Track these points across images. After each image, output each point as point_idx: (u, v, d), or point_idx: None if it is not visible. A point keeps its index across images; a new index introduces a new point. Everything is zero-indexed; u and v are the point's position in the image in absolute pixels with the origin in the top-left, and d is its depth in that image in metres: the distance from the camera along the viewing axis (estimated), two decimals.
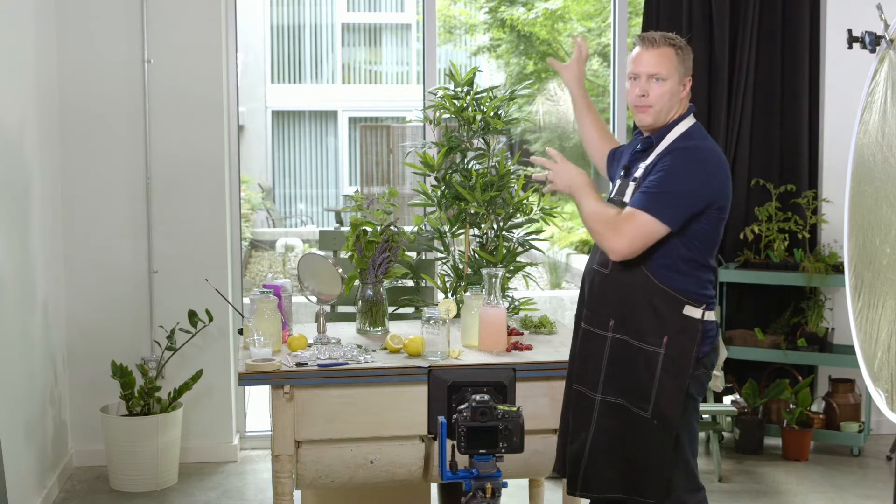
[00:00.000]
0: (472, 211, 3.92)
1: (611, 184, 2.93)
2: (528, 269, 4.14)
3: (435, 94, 4.26)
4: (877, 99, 2.86)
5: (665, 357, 2.65)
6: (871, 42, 2.87)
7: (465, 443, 2.49)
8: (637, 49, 2.77)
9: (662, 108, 2.73)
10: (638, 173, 2.73)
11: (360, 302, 3.48)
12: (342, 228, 5.01)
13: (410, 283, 4.21)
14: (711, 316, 2.72)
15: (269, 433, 3.06)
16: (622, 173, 2.83)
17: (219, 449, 4.70)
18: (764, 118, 4.98)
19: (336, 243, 4.28)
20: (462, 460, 2.54)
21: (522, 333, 3.42)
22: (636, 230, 2.61)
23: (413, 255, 4.20)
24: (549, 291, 9.46)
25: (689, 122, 2.78)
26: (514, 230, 4.03)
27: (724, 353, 4.59)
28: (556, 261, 10.61)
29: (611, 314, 2.72)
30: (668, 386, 2.65)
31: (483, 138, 4.07)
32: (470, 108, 4.06)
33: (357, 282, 3.53)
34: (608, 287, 2.73)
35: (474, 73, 4.11)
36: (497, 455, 2.51)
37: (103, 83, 4.51)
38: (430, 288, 4.27)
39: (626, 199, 2.72)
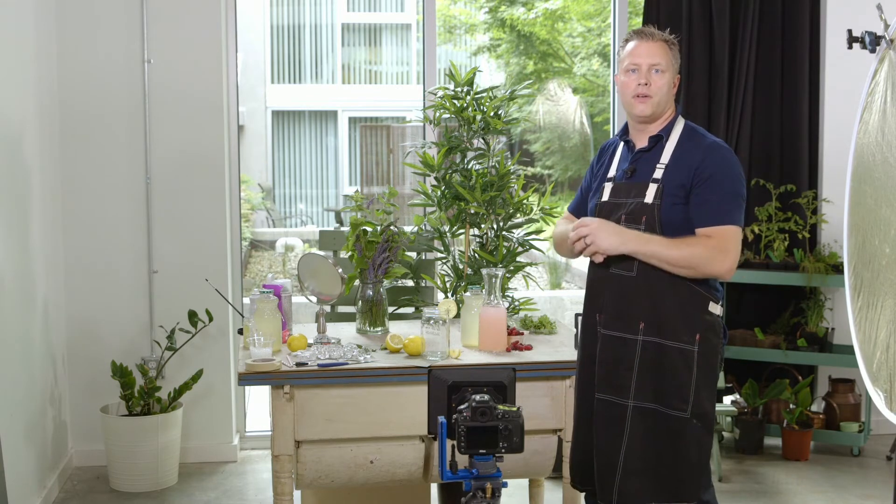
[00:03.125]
0: (472, 211, 3.92)
1: (606, 186, 2.82)
2: (528, 269, 4.15)
3: (435, 94, 4.26)
4: (877, 99, 2.86)
5: (699, 355, 2.66)
6: (871, 42, 2.87)
7: (465, 443, 2.49)
8: (634, 42, 2.76)
9: (661, 99, 2.73)
10: (658, 174, 2.68)
11: (360, 302, 3.48)
12: (342, 228, 5.01)
13: (410, 283, 4.22)
14: (721, 311, 2.75)
15: (269, 433, 3.06)
16: (621, 175, 2.79)
17: (219, 449, 4.70)
18: (764, 118, 4.98)
19: (336, 243, 4.28)
20: (462, 460, 2.53)
21: (522, 333, 3.42)
22: (733, 245, 2.61)
23: (413, 255, 4.20)
24: (549, 291, 9.46)
25: (683, 120, 2.80)
26: (514, 230, 4.03)
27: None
28: (556, 261, 10.61)
29: (640, 317, 2.69)
30: (704, 383, 2.66)
31: (483, 138, 4.07)
32: (470, 108, 4.06)
33: (357, 282, 3.53)
34: (636, 290, 2.69)
35: (474, 73, 4.11)
36: (497, 455, 2.51)
37: (103, 83, 4.51)
38: (430, 288, 4.27)
39: (648, 199, 2.67)
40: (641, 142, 2.79)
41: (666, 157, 2.70)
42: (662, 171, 2.69)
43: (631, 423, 2.69)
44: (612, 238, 2.63)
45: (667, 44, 2.75)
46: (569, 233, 2.75)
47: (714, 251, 2.59)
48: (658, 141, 2.75)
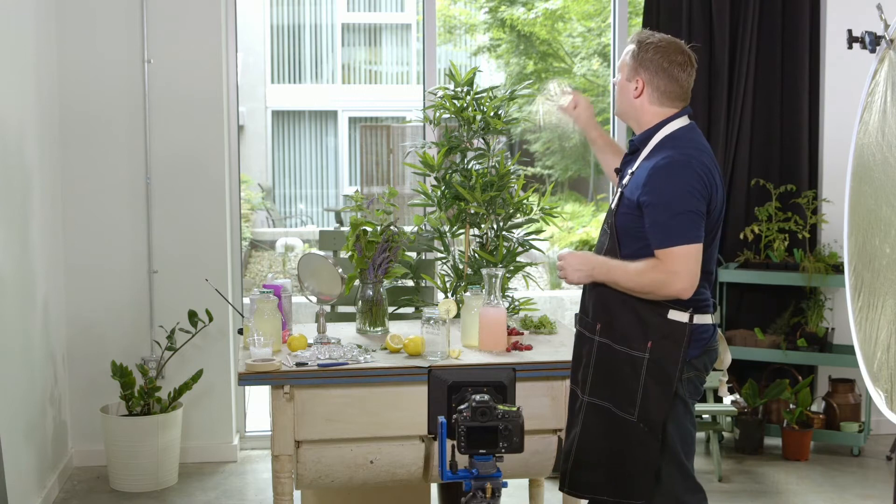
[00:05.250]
0: (472, 211, 3.92)
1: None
2: (528, 269, 4.15)
3: (435, 94, 4.26)
4: (877, 99, 2.86)
5: (650, 362, 2.65)
6: (871, 42, 2.87)
7: (465, 443, 2.49)
8: None
9: (620, 103, 2.78)
10: (625, 180, 2.72)
11: (360, 302, 3.48)
12: (342, 228, 5.01)
13: (410, 283, 4.22)
14: (704, 319, 2.68)
15: (269, 433, 3.06)
16: (618, 180, 2.85)
17: (219, 449, 4.70)
18: (764, 118, 4.98)
19: (336, 243, 4.28)
20: (462, 460, 2.54)
21: (522, 333, 3.42)
22: (682, 265, 2.57)
23: (413, 255, 4.20)
24: (549, 291, 9.46)
25: (680, 122, 2.72)
26: (514, 230, 4.04)
27: (728, 359, 4.55)
28: (555, 261, 10.60)
29: (597, 318, 2.74)
30: (654, 391, 2.65)
31: (483, 138, 4.07)
32: (470, 108, 4.06)
33: (357, 282, 3.53)
34: (595, 293, 2.76)
35: (474, 73, 4.11)
36: (497, 455, 2.51)
37: (103, 83, 4.51)
38: (430, 288, 4.27)
39: (613, 205, 2.75)
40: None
41: (635, 165, 2.73)
42: (627, 178, 2.72)
43: (584, 416, 2.75)
44: (579, 273, 2.73)
45: (635, 44, 2.73)
46: None
47: (665, 275, 2.58)
48: (636, 149, 2.76)
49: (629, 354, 2.67)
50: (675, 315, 2.65)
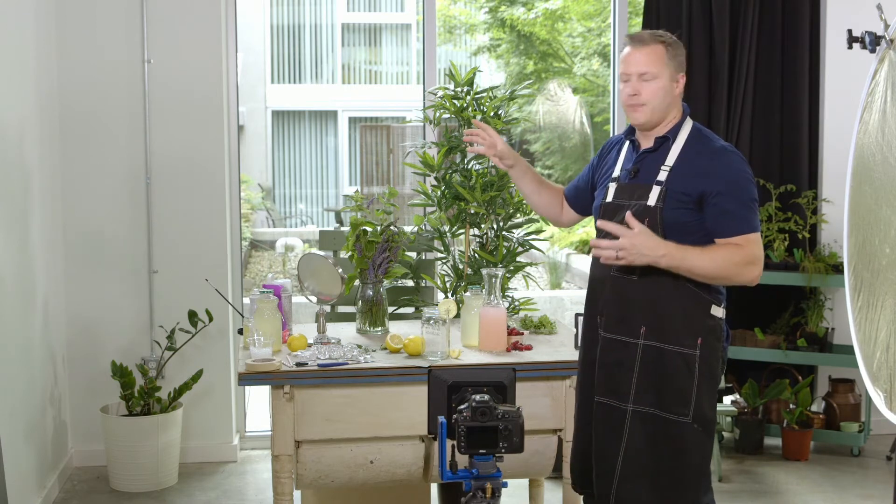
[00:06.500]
0: (472, 211, 3.92)
1: (610, 186, 2.79)
2: (528, 269, 4.15)
3: (435, 94, 4.27)
4: (877, 99, 2.85)
5: (700, 359, 2.64)
6: (871, 42, 2.87)
7: (465, 443, 2.49)
8: (627, 49, 2.72)
9: (657, 105, 2.68)
10: (661, 176, 2.65)
11: (360, 302, 3.48)
12: (342, 228, 5.01)
13: (410, 283, 4.22)
14: (723, 314, 2.73)
15: (269, 433, 3.06)
16: (623, 175, 2.76)
17: (219, 449, 4.70)
18: (764, 118, 4.98)
19: (336, 243, 4.29)
20: (462, 460, 2.53)
21: (522, 333, 3.42)
22: (759, 252, 2.62)
23: (413, 255, 4.20)
24: (549, 291, 9.46)
25: (691, 121, 2.76)
26: (514, 230, 4.04)
27: None
28: (556, 261, 10.61)
29: (641, 321, 2.67)
30: (706, 387, 2.65)
31: None
32: (470, 108, 4.07)
33: (357, 282, 3.53)
34: (637, 293, 2.67)
35: (474, 73, 4.11)
36: (497, 455, 2.51)
37: (103, 83, 4.51)
38: (430, 288, 4.27)
39: (651, 202, 2.64)
40: (647, 142, 2.74)
41: (671, 159, 2.67)
42: (667, 173, 2.66)
43: (630, 427, 2.68)
44: (646, 257, 2.55)
45: (662, 45, 2.68)
46: (594, 231, 2.75)
47: (747, 259, 2.59)
48: (664, 142, 2.71)
49: (682, 353, 2.64)
50: (716, 311, 2.68)
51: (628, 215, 2.59)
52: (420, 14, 5.10)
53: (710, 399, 2.68)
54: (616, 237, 2.55)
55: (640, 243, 2.53)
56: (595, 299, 2.79)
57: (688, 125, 2.74)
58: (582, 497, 2.95)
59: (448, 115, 4.15)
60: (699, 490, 2.69)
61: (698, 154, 2.66)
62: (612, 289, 2.72)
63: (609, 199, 2.76)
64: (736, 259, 2.58)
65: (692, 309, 2.64)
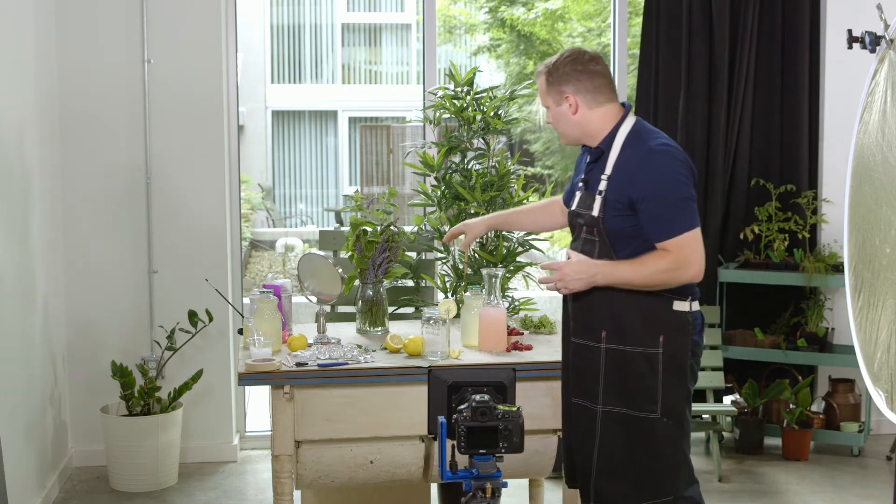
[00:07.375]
0: (472, 211, 3.92)
1: (577, 194, 2.86)
2: (528, 269, 4.15)
3: (435, 94, 4.27)
4: (877, 99, 2.85)
5: (664, 355, 2.68)
6: (871, 42, 2.87)
7: (465, 443, 2.49)
8: None
9: (564, 130, 2.80)
10: (602, 186, 2.71)
11: (360, 302, 3.48)
12: (342, 228, 5.01)
13: (410, 283, 4.22)
14: (696, 306, 2.74)
15: (269, 433, 3.06)
16: (581, 185, 2.83)
17: (219, 449, 4.70)
18: (764, 118, 4.98)
19: (336, 243, 4.28)
20: (462, 460, 2.54)
21: (522, 333, 3.42)
22: (692, 251, 2.62)
23: (413, 255, 4.20)
24: (549, 291, 9.45)
25: (630, 122, 2.76)
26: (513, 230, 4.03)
27: None
28: (556, 261, 10.60)
29: (602, 326, 2.74)
30: (673, 383, 2.68)
31: (483, 138, 4.07)
32: (470, 108, 4.07)
33: (357, 282, 3.53)
34: (594, 299, 2.74)
35: (474, 73, 4.11)
36: (497, 455, 2.51)
37: (103, 83, 4.51)
38: (430, 288, 4.27)
39: (596, 212, 2.71)
40: (594, 153, 2.81)
41: (609, 168, 2.72)
42: (606, 182, 2.72)
43: (602, 426, 2.74)
44: (580, 281, 2.71)
45: (544, 76, 2.78)
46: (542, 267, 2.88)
47: (676, 264, 2.62)
48: (601, 154, 2.76)
49: (644, 353, 2.68)
50: (679, 305, 2.69)
51: (568, 250, 2.81)
52: (420, 14, 5.09)
53: (679, 392, 2.70)
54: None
55: (570, 272, 2.71)
56: (566, 306, 2.89)
57: (625, 129, 2.75)
58: (580, 493, 2.97)
59: (448, 116, 4.15)
60: (678, 481, 2.72)
61: (628, 161, 2.70)
62: (576, 296, 2.80)
63: (573, 207, 2.86)
64: (662, 266, 2.62)
65: (650, 308, 2.68)
